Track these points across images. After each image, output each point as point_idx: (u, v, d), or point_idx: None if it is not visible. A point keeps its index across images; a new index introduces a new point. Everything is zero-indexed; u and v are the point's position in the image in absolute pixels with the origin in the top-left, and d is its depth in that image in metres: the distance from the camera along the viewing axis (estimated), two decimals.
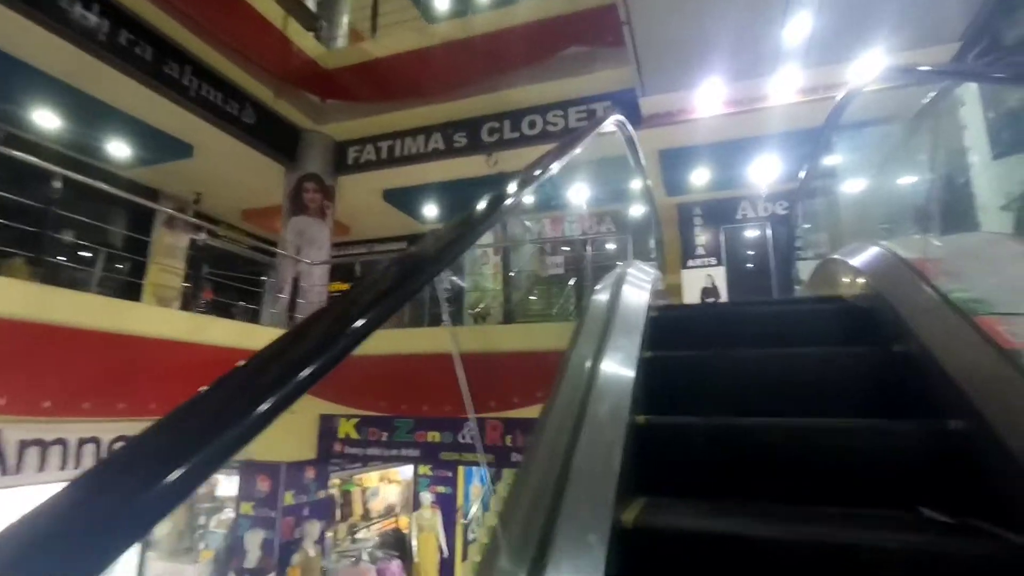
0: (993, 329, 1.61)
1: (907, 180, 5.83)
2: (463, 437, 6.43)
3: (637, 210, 9.40)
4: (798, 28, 5.37)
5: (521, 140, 7.48)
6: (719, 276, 9.19)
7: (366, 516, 9.18)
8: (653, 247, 5.20)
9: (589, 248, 7.58)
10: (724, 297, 9.07)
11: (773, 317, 2.52)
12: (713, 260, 9.29)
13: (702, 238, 9.45)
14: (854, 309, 2.37)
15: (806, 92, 6.33)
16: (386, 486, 9.90)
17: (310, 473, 7.43)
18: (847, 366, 1.93)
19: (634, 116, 6.98)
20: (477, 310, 10.83)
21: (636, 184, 8.32)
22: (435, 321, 9.54)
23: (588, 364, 1.86)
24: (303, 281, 7.69)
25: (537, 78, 7.14)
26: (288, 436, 6.94)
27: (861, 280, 2.46)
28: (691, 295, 9.29)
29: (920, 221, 6.09)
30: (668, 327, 2.48)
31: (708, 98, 6.57)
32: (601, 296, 2.45)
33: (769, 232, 9.05)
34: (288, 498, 7.09)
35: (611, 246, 15.42)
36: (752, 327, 2.44)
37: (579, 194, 9.20)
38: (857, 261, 2.62)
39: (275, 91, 7.64)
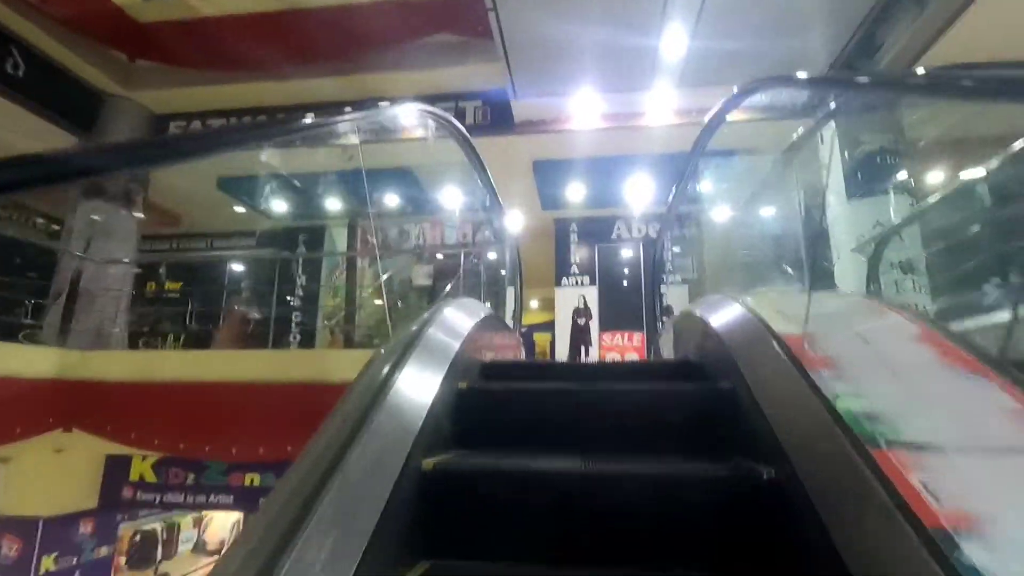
0: (902, 474, 1.02)
1: (773, 214, 5.73)
2: None
3: (512, 224, 8.81)
4: (674, 43, 5.01)
5: (382, 132, 6.52)
6: (592, 296, 8.87)
7: (201, 549, 7.62)
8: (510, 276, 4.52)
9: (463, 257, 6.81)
10: (596, 319, 8.76)
11: (613, 403, 1.86)
12: (587, 279, 8.95)
13: (577, 255, 9.08)
14: (712, 395, 1.77)
15: (681, 114, 6.07)
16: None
17: (86, 527, 5.86)
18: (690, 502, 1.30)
19: (506, 120, 6.34)
20: (332, 323, 9.62)
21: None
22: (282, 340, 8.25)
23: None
24: (92, 283, 6.09)
25: (400, 64, 6.24)
26: (54, 482, 5.42)
27: (722, 353, 1.88)
28: (564, 313, 8.88)
29: (784, 260, 6.07)
30: (474, 412, 1.75)
31: (585, 109, 6.10)
32: (376, 372, 1.60)
33: (642, 253, 8.89)
34: (48, 563, 5.51)
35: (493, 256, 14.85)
36: (588, 422, 1.77)
37: (455, 199, 8.43)
38: (720, 325, 2.06)
39: (62, 40, 5.99)
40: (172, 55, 6.35)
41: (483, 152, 6.38)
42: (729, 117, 6.03)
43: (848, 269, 4.88)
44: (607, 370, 2.62)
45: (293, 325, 9.33)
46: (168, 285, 10.24)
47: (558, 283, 9.02)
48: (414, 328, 1.91)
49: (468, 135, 3.34)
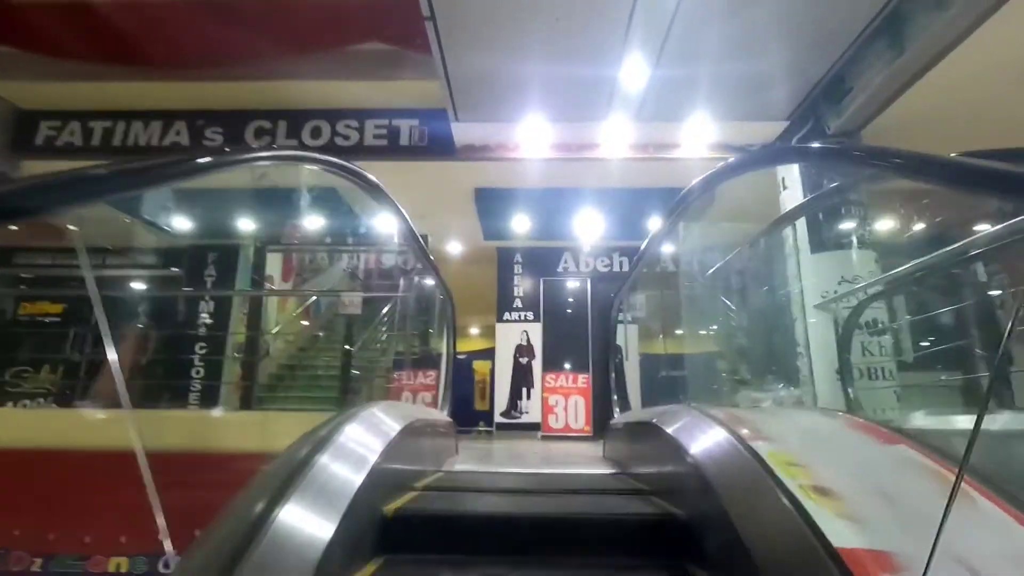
0: None
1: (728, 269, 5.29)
2: None
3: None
4: (635, 73, 4.49)
5: (300, 150, 5.65)
6: (535, 332, 8.24)
7: None
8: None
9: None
10: (538, 356, 8.13)
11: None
12: (531, 314, 8.32)
13: (521, 288, 8.46)
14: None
15: (638, 148, 5.58)
16: None
17: None
18: None
19: (446, 143, 5.64)
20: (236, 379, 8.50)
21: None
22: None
23: None
24: None
25: (327, 73, 5.42)
26: None
27: (718, 513, 1.23)
28: (505, 350, 8.20)
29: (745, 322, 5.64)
30: None
31: (533, 137, 5.49)
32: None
33: (590, 288, 8.37)
34: None
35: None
36: None
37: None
38: (708, 466, 1.42)
39: None
40: (45, 42, 5.26)
41: (420, 176, 5.64)
42: (686, 154, 5.62)
43: (816, 335, 4.47)
44: (567, 521, 1.89)
45: (193, 372, 8.14)
46: (45, 308, 8.79)
47: (500, 318, 8.35)
48: (298, 458, 1.18)
49: (378, 184, 2.60)
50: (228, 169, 1.40)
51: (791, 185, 5.18)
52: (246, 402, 6.83)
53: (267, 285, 9.06)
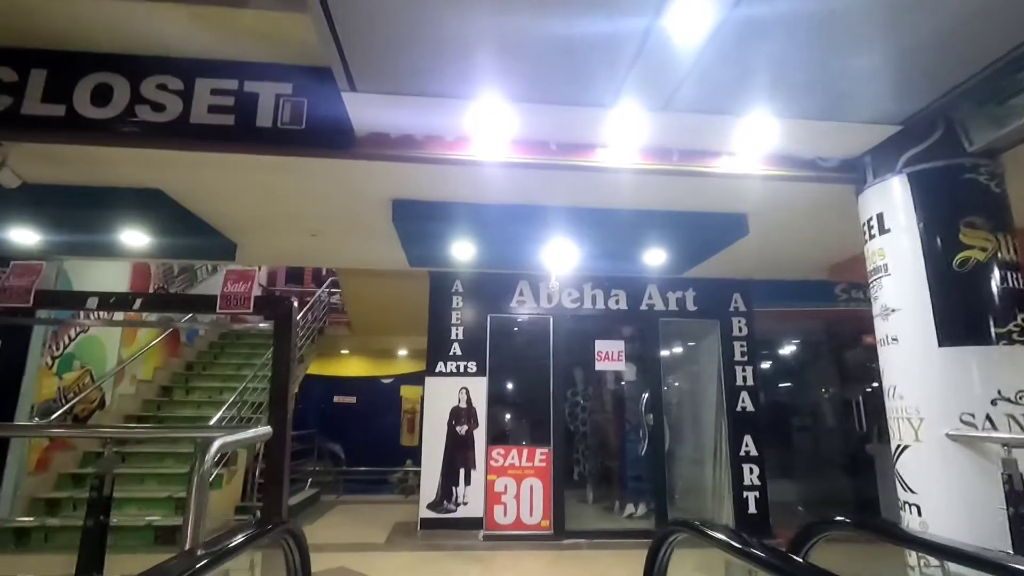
0: None
1: None
2: None
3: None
4: (695, 17, 2.36)
5: (61, 123, 3.15)
6: (479, 391, 6.09)
7: None
8: None
9: None
10: (482, 424, 5.99)
11: None
12: (473, 365, 6.15)
13: (461, 328, 6.25)
14: None
15: (655, 154, 3.49)
16: None
17: None
18: None
19: (338, 128, 3.31)
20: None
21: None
22: None
23: None
24: None
25: None
26: None
27: None
28: (437, 415, 5.99)
29: None
30: None
31: (485, 124, 3.27)
32: None
33: (552, 330, 6.29)
34: None
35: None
36: None
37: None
38: None
39: None
40: None
41: (308, 174, 3.42)
42: (729, 167, 3.59)
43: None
44: None
45: None
46: None
47: (431, 370, 6.11)
48: None
49: None
50: None
51: (894, 225, 3.26)
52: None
53: (89, 313, 6.37)
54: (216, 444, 1.52)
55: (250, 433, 1.84)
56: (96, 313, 6.58)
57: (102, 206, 4.04)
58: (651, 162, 3.47)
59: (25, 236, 4.65)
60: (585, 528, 6.01)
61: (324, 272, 12.24)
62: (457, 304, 6.29)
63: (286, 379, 2.46)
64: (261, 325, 7.09)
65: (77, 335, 6.37)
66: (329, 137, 3.31)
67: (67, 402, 6.08)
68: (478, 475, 5.88)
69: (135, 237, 4.49)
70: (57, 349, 6.04)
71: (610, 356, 6.27)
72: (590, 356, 6.41)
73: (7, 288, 2.48)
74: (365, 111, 3.15)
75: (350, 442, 11.79)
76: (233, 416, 6.80)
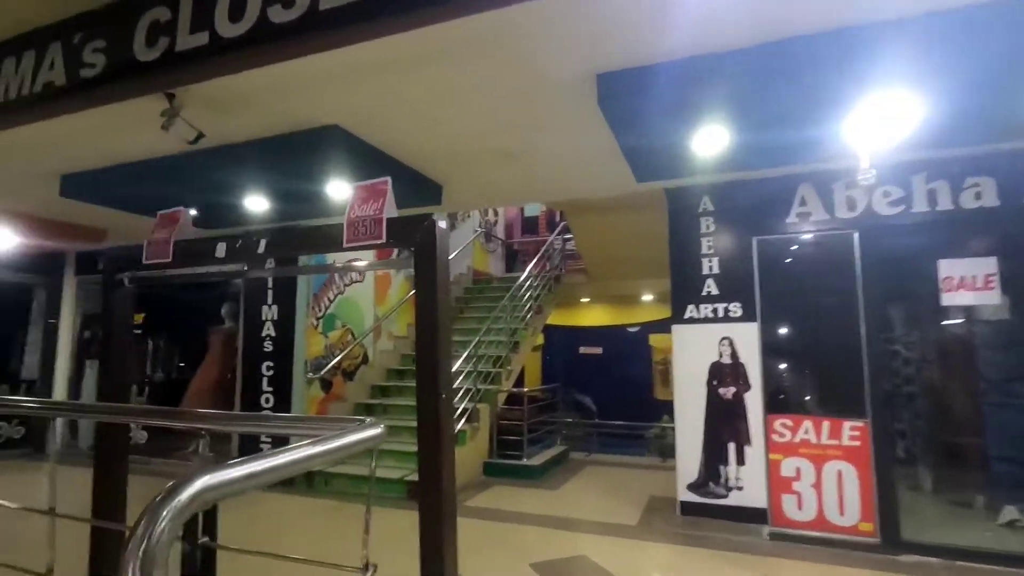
0: None
1: None
2: None
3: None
4: None
5: (212, 50, 2.74)
6: (747, 341, 4.51)
7: None
8: None
9: None
10: (755, 385, 4.42)
11: None
12: (736, 307, 4.57)
13: (715, 260, 4.70)
14: None
15: None
16: None
17: None
18: None
19: None
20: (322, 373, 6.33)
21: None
22: None
23: None
24: None
25: None
26: None
27: None
28: (691, 377, 4.65)
29: None
30: None
31: None
32: None
33: (858, 250, 4.26)
34: None
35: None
36: None
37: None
38: None
39: None
40: None
41: (477, 54, 2.37)
42: None
43: None
44: None
45: (264, 382, 6.20)
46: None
47: (678, 317, 4.75)
48: None
49: None
50: None
51: None
52: None
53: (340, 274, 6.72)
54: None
55: (354, 438, 0.89)
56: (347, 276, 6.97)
57: (289, 155, 3.76)
58: None
59: (257, 203, 4.81)
60: (937, 541, 4.00)
61: (558, 218, 11.63)
62: (707, 228, 4.73)
63: (434, 328, 1.50)
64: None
65: (336, 296, 6.85)
66: None
67: (333, 358, 6.59)
68: (755, 453, 4.38)
69: (337, 188, 4.20)
70: (320, 310, 6.55)
71: (970, 282, 3.96)
72: (922, 285, 4.21)
73: (152, 243, 1.98)
74: None
75: (598, 395, 11.18)
76: (470, 371, 6.58)
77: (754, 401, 4.43)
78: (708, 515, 4.46)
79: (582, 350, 12.37)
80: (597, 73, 2.89)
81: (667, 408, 10.63)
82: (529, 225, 12.70)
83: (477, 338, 6.86)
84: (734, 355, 4.53)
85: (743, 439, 4.42)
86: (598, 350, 12.32)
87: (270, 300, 6.27)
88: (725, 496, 4.45)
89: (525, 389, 7.68)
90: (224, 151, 3.83)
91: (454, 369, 6.39)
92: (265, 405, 6.17)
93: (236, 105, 3.27)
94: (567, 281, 10.28)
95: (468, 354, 6.64)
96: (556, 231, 10.69)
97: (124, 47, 2.96)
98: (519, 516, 4.86)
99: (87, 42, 3.10)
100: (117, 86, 2.98)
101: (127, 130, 3.57)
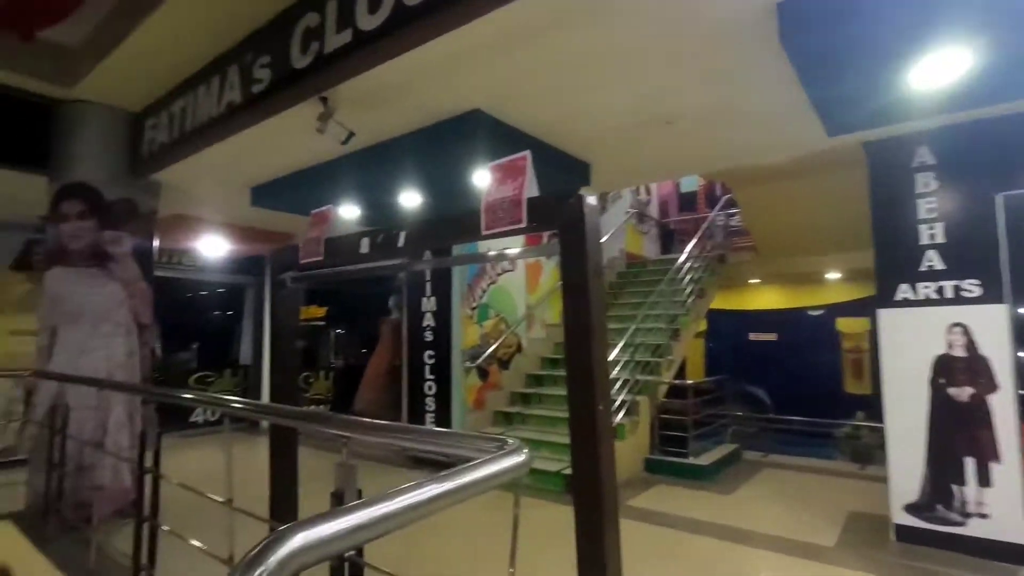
0: None
1: None
2: None
3: None
4: None
5: (355, 45, 2.73)
6: (989, 327, 3.49)
7: None
8: None
9: None
10: (1006, 385, 3.41)
11: None
12: (972, 285, 3.57)
13: (938, 225, 3.72)
14: None
15: None
16: None
17: None
18: None
19: None
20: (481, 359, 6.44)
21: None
22: None
23: None
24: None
25: None
26: None
27: None
28: (907, 372, 3.75)
29: None
30: None
31: None
32: None
33: None
34: None
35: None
36: None
37: None
38: None
39: None
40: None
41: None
42: None
43: None
44: None
45: (426, 370, 6.49)
46: (314, 312, 8.69)
47: (886, 298, 3.87)
48: None
49: None
50: None
51: None
52: None
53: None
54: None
55: (491, 470, 0.67)
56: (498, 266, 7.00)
57: (437, 145, 3.73)
58: None
59: (411, 199, 4.93)
60: None
61: (719, 191, 10.56)
62: (926, 186, 3.75)
63: (586, 315, 1.22)
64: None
65: (488, 286, 6.92)
66: None
67: (488, 347, 6.67)
68: (1006, 472, 3.39)
69: (483, 177, 4.10)
70: (474, 300, 6.66)
71: None
72: None
73: (305, 242, 2.01)
74: None
75: (773, 387, 9.95)
76: (627, 360, 6.18)
77: (1003, 405, 3.43)
78: (935, 544, 3.58)
79: (752, 336, 11.14)
80: (777, 1, 2.34)
81: (860, 404, 9.11)
82: (686, 202, 11.75)
83: (634, 326, 6.44)
84: (971, 346, 3.54)
85: (988, 453, 3.45)
86: (772, 336, 10.99)
87: (428, 292, 6.52)
88: (961, 524, 3.52)
89: (689, 381, 7.06)
90: (379, 149, 3.94)
91: (610, 359, 6.06)
92: (428, 392, 6.45)
93: (381, 101, 3.29)
94: (733, 261, 9.28)
95: (625, 343, 6.25)
96: (718, 206, 9.70)
97: (284, 57, 3.12)
98: (689, 523, 4.39)
99: (256, 59, 3.34)
100: (279, 96, 3.16)
101: (295, 138, 3.83)
